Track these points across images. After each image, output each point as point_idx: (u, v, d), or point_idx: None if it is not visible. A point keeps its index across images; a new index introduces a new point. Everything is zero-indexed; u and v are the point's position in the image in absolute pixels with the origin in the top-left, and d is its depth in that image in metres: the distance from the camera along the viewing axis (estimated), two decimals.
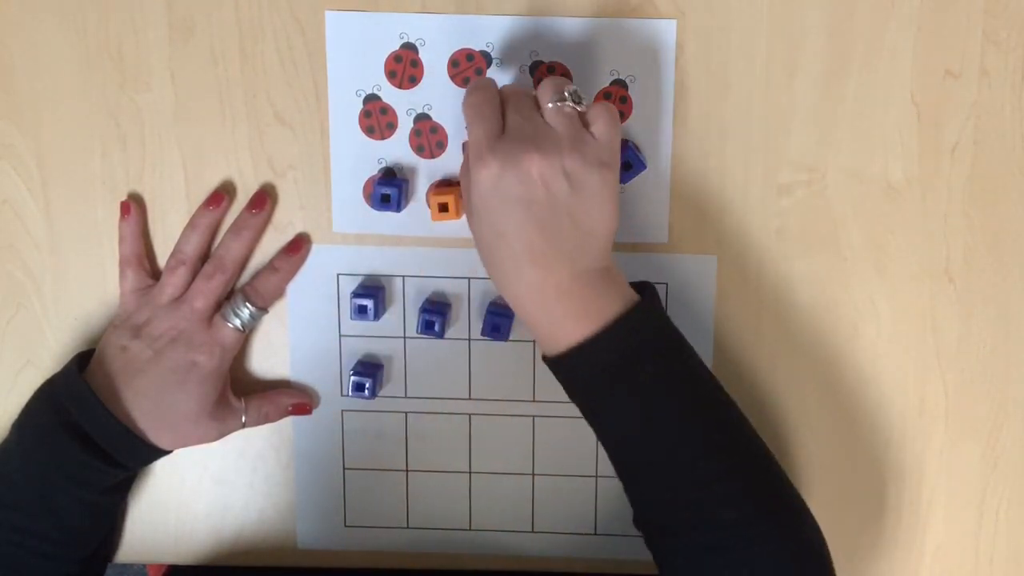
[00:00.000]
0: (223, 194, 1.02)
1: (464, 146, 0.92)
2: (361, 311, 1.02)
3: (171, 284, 1.01)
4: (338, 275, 1.04)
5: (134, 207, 1.03)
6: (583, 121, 0.91)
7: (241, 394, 1.05)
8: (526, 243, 0.87)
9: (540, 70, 1.00)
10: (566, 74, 1.00)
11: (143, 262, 1.03)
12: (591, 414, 0.92)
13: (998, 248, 1.01)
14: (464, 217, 0.96)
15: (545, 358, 0.92)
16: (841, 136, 1.00)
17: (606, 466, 1.05)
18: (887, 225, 1.01)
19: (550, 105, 0.90)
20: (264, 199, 1.02)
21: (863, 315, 1.03)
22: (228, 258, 1.01)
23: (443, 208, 0.98)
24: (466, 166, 0.91)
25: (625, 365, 0.89)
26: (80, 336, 1.06)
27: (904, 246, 1.01)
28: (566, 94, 0.90)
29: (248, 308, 1.00)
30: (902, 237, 1.01)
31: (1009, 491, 1.05)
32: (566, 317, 0.89)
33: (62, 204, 1.04)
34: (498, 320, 1.02)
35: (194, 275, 1.01)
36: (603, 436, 0.92)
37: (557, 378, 0.92)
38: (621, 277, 0.91)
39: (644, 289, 0.93)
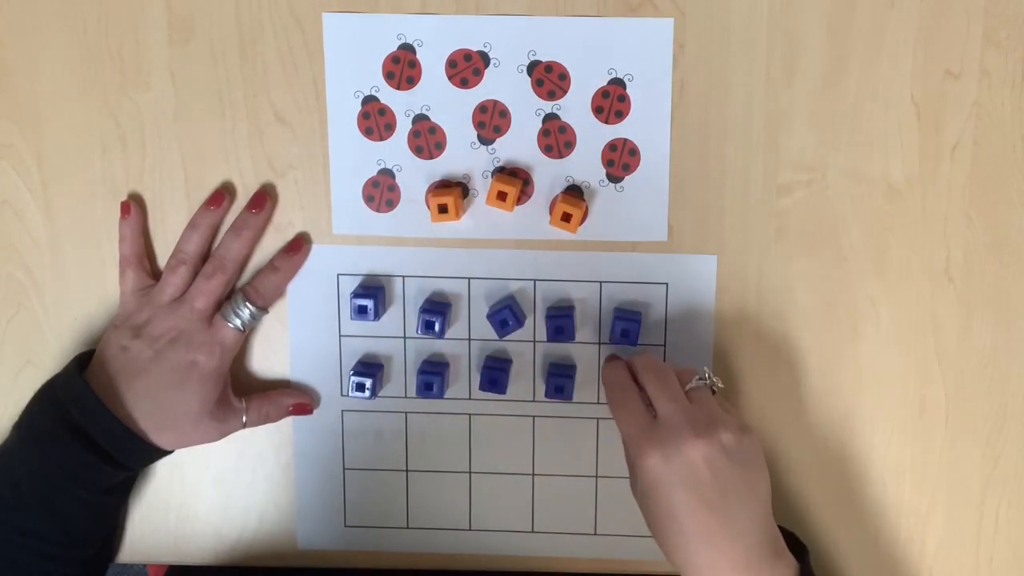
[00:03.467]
0: (224, 194, 1.02)
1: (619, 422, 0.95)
2: (361, 311, 1.02)
3: (172, 284, 1.01)
4: (338, 275, 1.04)
5: (134, 207, 1.03)
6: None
7: (242, 394, 1.05)
8: (698, 525, 0.89)
9: (538, 70, 1.00)
10: (564, 73, 0.99)
11: (143, 262, 1.03)
12: None
13: (998, 248, 1.01)
14: (462, 219, 0.96)
15: None
16: (841, 136, 1.00)
17: (606, 466, 1.06)
18: (887, 225, 1.01)
19: (692, 385, 0.94)
20: (264, 199, 1.02)
21: (863, 315, 1.03)
22: (228, 258, 1.01)
23: (443, 209, 0.98)
24: (629, 454, 0.93)
25: None
26: (80, 336, 1.06)
27: (904, 246, 1.01)
28: (704, 377, 0.95)
29: (248, 308, 1.01)
30: (902, 237, 1.01)
31: (1009, 491, 1.05)
32: None
33: (62, 204, 1.04)
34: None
35: (195, 275, 1.01)
36: None
37: None
38: (783, 545, 0.93)
39: (798, 551, 0.95)
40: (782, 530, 0.96)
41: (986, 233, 1.01)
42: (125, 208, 1.03)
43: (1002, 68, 0.99)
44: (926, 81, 0.99)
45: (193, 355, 0.99)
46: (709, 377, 0.95)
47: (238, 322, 1.00)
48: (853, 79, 0.99)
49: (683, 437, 0.89)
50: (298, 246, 1.03)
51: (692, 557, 0.90)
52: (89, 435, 0.96)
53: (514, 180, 1.00)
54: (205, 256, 1.03)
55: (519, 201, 1.01)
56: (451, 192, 0.99)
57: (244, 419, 1.04)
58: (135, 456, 0.99)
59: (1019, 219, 1.01)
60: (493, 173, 1.01)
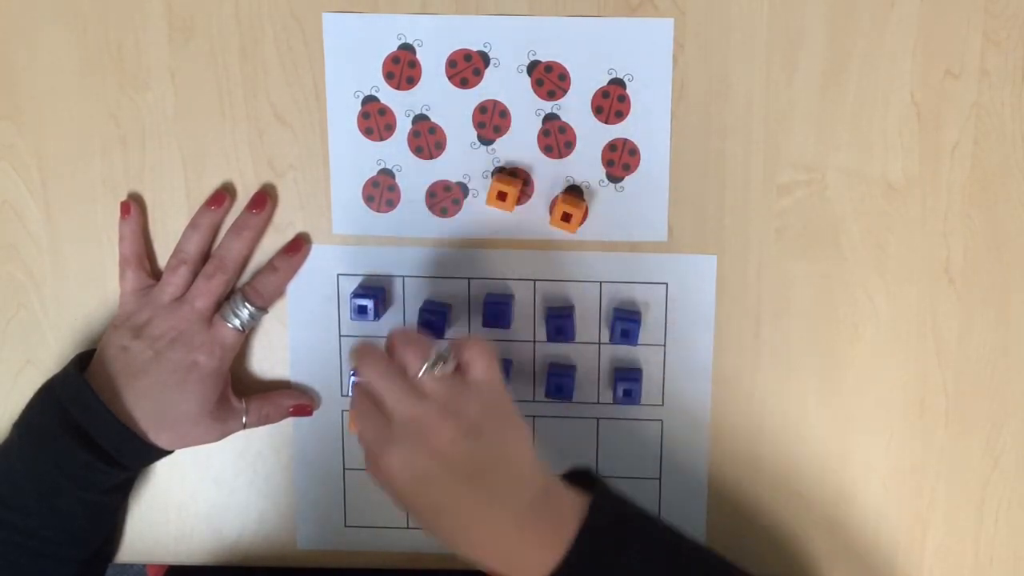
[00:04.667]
0: (225, 194, 1.02)
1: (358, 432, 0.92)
2: (361, 311, 1.02)
3: (172, 283, 1.01)
4: (338, 275, 1.04)
5: (134, 207, 1.03)
6: (457, 368, 0.90)
7: (242, 394, 1.05)
8: (464, 508, 0.87)
9: (538, 70, 1.00)
10: (564, 73, 1.00)
11: (143, 262, 1.03)
12: None
13: (998, 248, 1.01)
14: (460, 218, 0.96)
15: None
16: (841, 136, 1.00)
17: (606, 466, 1.06)
18: (887, 225, 1.01)
19: (420, 374, 0.88)
20: (264, 199, 1.02)
21: (863, 315, 1.03)
22: (229, 258, 1.01)
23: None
24: (373, 466, 0.89)
25: (603, 568, 0.88)
26: (80, 336, 1.06)
27: (904, 246, 1.01)
28: (431, 361, 0.88)
29: (247, 308, 1.01)
30: (902, 237, 1.01)
31: (1009, 491, 1.05)
32: (530, 553, 0.87)
33: (62, 204, 1.04)
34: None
35: (195, 275, 1.01)
36: None
37: None
38: (560, 486, 0.90)
39: (586, 478, 0.92)
40: (576, 473, 0.94)
41: (986, 233, 1.01)
42: (125, 208, 1.03)
43: (1002, 68, 0.99)
44: (926, 81, 0.99)
45: (193, 355, 0.99)
46: (437, 357, 0.88)
47: (237, 322, 1.00)
48: (853, 79, 0.99)
49: (421, 430, 0.86)
50: (298, 246, 1.03)
51: (473, 538, 0.88)
52: (89, 435, 0.96)
53: (514, 180, 1.00)
54: (206, 256, 1.03)
55: (519, 201, 1.01)
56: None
57: (244, 420, 1.04)
58: (135, 456, 0.99)
59: (1019, 219, 1.01)
60: (493, 173, 1.01)
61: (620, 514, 0.91)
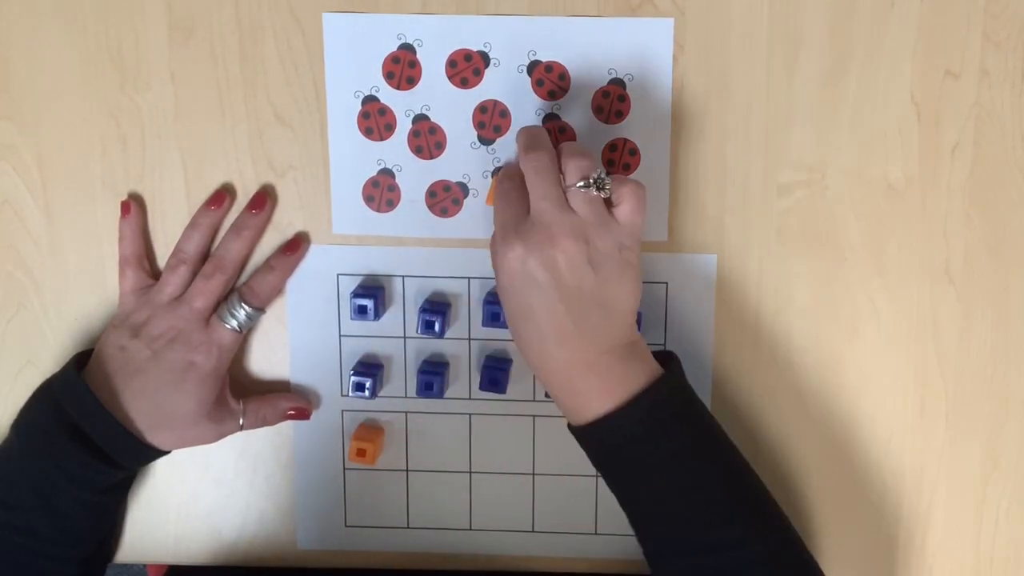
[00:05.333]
0: (225, 194, 1.02)
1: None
2: (361, 311, 1.02)
3: (171, 283, 1.01)
4: (338, 275, 1.04)
5: (134, 206, 1.03)
6: (608, 202, 0.92)
7: (241, 395, 1.05)
8: (553, 324, 0.89)
9: (538, 70, 1.00)
10: (564, 73, 1.00)
11: (143, 262, 1.03)
12: (614, 481, 0.94)
13: (998, 248, 1.01)
14: (460, 218, 0.96)
15: (570, 427, 0.94)
16: (841, 136, 1.00)
17: None
18: (887, 225, 1.01)
19: (574, 188, 0.91)
20: (264, 199, 1.02)
21: (863, 315, 1.03)
22: (228, 258, 1.01)
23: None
24: (495, 246, 0.92)
25: (648, 436, 0.90)
26: (80, 336, 1.06)
27: (904, 246, 1.01)
28: (591, 179, 0.91)
29: (244, 308, 1.01)
30: (902, 237, 1.01)
31: (1009, 491, 1.05)
32: (592, 392, 0.90)
33: (62, 204, 1.04)
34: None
35: (195, 275, 1.01)
36: (625, 501, 0.94)
37: (581, 446, 0.94)
38: (646, 350, 0.93)
39: (669, 360, 0.95)
40: (664, 352, 0.97)
41: (986, 233, 1.01)
42: (125, 208, 1.03)
43: (1002, 68, 0.99)
44: (926, 81, 0.99)
45: (191, 355, 0.99)
46: (597, 180, 0.91)
47: (234, 323, 1.00)
48: (853, 79, 0.99)
49: (547, 235, 0.88)
50: (295, 246, 1.03)
51: (544, 356, 0.90)
52: (87, 435, 0.96)
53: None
54: (205, 256, 1.02)
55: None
56: None
57: (241, 421, 1.04)
58: (132, 456, 0.99)
59: (1019, 219, 1.01)
60: (493, 173, 1.01)
61: (682, 395, 0.94)
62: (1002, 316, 1.02)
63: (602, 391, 0.90)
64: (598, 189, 0.90)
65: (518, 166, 0.94)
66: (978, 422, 1.04)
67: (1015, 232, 1.01)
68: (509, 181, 0.94)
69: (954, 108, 0.99)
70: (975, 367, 1.03)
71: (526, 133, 0.95)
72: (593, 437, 0.92)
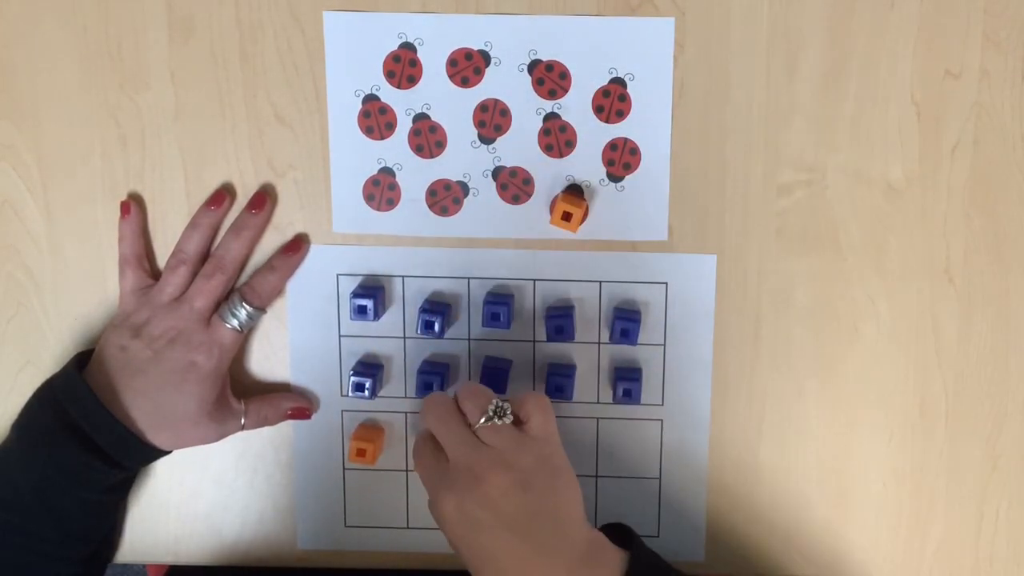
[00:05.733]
0: (225, 194, 1.02)
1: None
2: (361, 311, 1.02)
3: (172, 283, 1.01)
4: (338, 275, 1.04)
5: (134, 207, 1.03)
6: (517, 420, 0.93)
7: (242, 395, 1.05)
8: (511, 555, 0.88)
9: (538, 69, 1.00)
10: (564, 72, 1.00)
11: (143, 262, 1.03)
12: None
13: (998, 248, 1.01)
14: (461, 217, 0.96)
15: None
16: (841, 136, 1.00)
17: (606, 466, 1.06)
18: (887, 225, 1.01)
19: (479, 424, 0.92)
20: (264, 199, 1.02)
21: (863, 315, 1.03)
22: (228, 258, 1.01)
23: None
24: (431, 508, 0.93)
25: None
26: (80, 336, 1.06)
27: (904, 246, 1.01)
28: (490, 411, 0.92)
29: (245, 308, 1.01)
30: (902, 237, 1.01)
31: (1009, 491, 1.05)
32: None
33: (62, 204, 1.04)
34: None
35: (195, 275, 1.01)
36: None
37: None
38: (604, 542, 0.92)
39: (626, 536, 0.94)
40: (609, 525, 0.96)
41: (986, 233, 1.01)
42: (125, 208, 1.03)
43: (1002, 68, 0.99)
44: (926, 81, 0.99)
45: (192, 355, 0.99)
46: (496, 410, 0.92)
47: (235, 322, 1.00)
48: (853, 79, 0.99)
49: (473, 477, 0.89)
50: (296, 246, 1.03)
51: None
52: (88, 435, 0.96)
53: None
54: (205, 256, 1.02)
55: (520, 200, 1.01)
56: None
57: (242, 421, 1.04)
58: (133, 456, 0.99)
59: (1019, 219, 1.01)
60: (494, 173, 1.01)
61: (657, 568, 0.93)
62: (1002, 316, 1.02)
63: None
64: (499, 418, 0.92)
65: (425, 428, 0.95)
66: (978, 422, 1.04)
67: (1015, 232, 1.01)
68: (423, 444, 0.94)
69: (954, 108, 0.99)
70: (975, 367, 1.03)
71: (425, 400, 0.95)
72: None
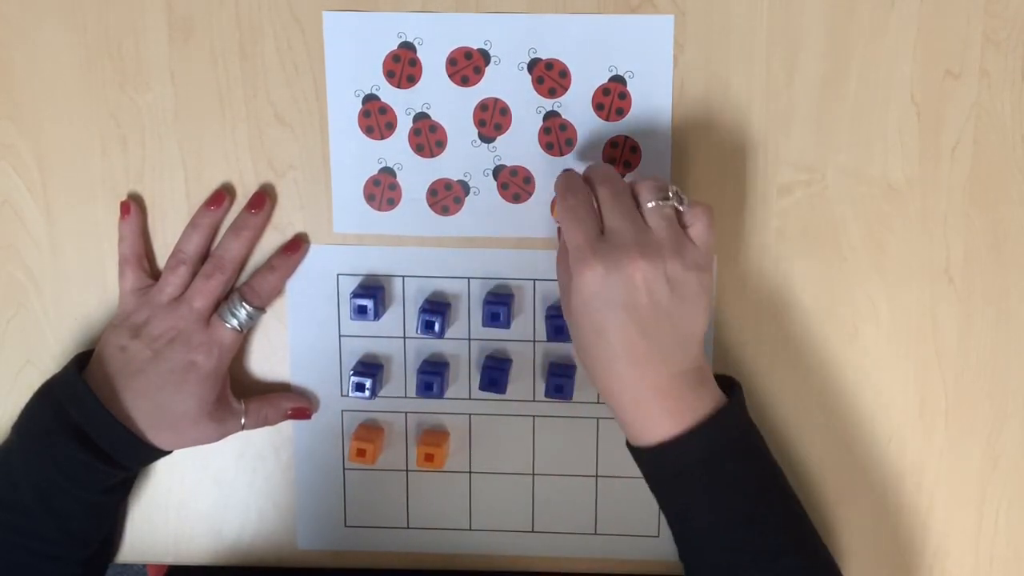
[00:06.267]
0: (224, 194, 1.02)
1: (560, 241, 0.94)
2: (361, 311, 1.02)
3: (171, 283, 1.01)
4: (338, 275, 1.04)
5: (134, 207, 1.03)
6: (681, 222, 0.92)
7: (242, 395, 1.05)
8: (626, 345, 0.88)
9: (538, 67, 1.00)
10: (564, 71, 1.00)
11: (143, 262, 1.03)
12: (671, 503, 0.94)
13: (998, 248, 1.01)
14: (454, 218, 0.96)
15: (630, 447, 0.93)
16: (841, 136, 1.00)
17: (606, 466, 1.06)
18: (887, 225, 1.01)
19: (651, 205, 0.90)
20: (263, 199, 1.02)
21: (863, 315, 1.03)
22: (227, 258, 1.01)
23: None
24: (565, 264, 0.92)
25: (709, 463, 0.91)
26: (80, 336, 1.06)
27: (904, 246, 1.01)
28: (670, 194, 0.91)
29: (245, 308, 1.01)
30: (902, 237, 1.01)
31: (1009, 491, 1.05)
32: (658, 415, 0.90)
33: (62, 204, 1.04)
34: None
35: (195, 275, 1.01)
36: (680, 524, 0.94)
37: (640, 467, 0.94)
38: (711, 376, 0.93)
39: (731, 387, 0.95)
40: (725, 377, 0.97)
41: (986, 233, 1.01)
42: (125, 208, 1.03)
43: (1002, 68, 0.99)
44: (926, 81, 0.99)
45: (191, 355, 0.99)
46: (675, 195, 0.91)
47: (235, 322, 1.00)
48: (853, 79, 0.99)
49: (627, 255, 0.87)
50: (296, 246, 1.03)
51: (614, 377, 0.90)
52: (88, 435, 0.96)
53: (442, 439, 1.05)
54: (205, 256, 1.02)
55: (521, 199, 1.01)
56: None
57: (242, 421, 1.04)
58: (134, 456, 0.99)
59: (1019, 219, 1.01)
60: (495, 172, 1.01)
61: (745, 425, 0.95)
62: (1002, 316, 1.02)
63: (668, 415, 0.90)
64: (678, 202, 0.91)
65: (579, 179, 0.93)
66: (978, 422, 1.04)
67: (1015, 232, 1.01)
68: (574, 197, 0.92)
69: (954, 108, 0.99)
70: (975, 367, 1.03)
71: (591, 167, 0.94)
72: (656, 460, 0.91)
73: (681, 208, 0.91)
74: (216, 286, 1.00)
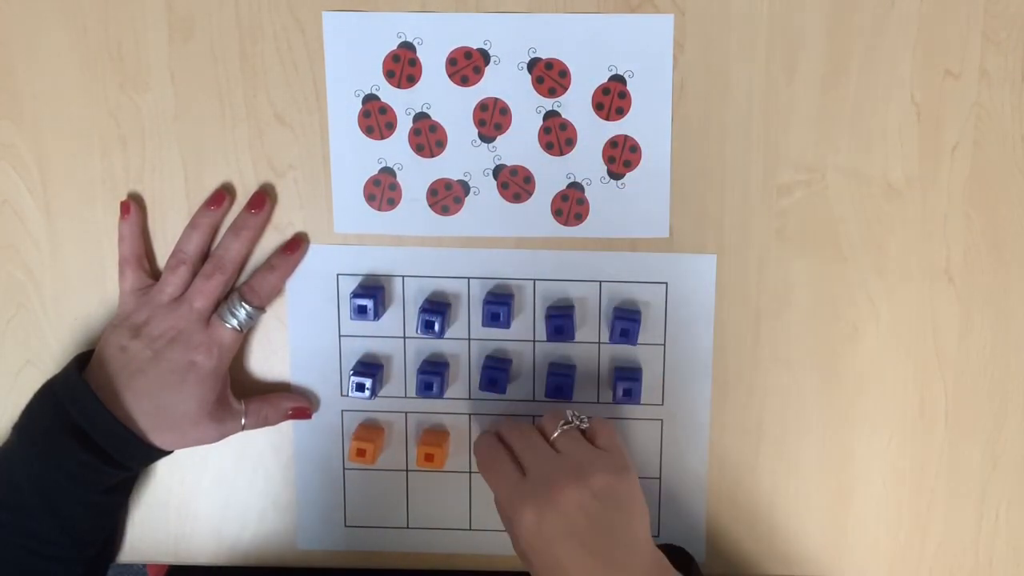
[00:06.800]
0: (224, 194, 1.02)
1: (495, 492, 0.96)
2: (361, 311, 1.02)
3: (171, 283, 1.01)
4: (338, 275, 1.04)
5: (134, 207, 1.03)
6: (588, 439, 0.95)
7: (242, 395, 1.05)
8: (582, 568, 0.89)
9: (538, 67, 1.00)
10: (564, 70, 1.00)
11: (143, 262, 1.03)
12: None
13: (998, 248, 1.01)
14: (454, 218, 0.96)
15: None
16: (841, 136, 1.00)
17: None
18: (887, 225, 1.01)
19: (556, 434, 0.95)
20: (263, 199, 1.02)
21: (863, 315, 1.03)
22: (227, 258, 1.01)
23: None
24: (504, 515, 0.94)
25: None
26: (80, 336, 1.06)
27: (904, 246, 1.01)
28: (570, 418, 0.96)
29: (245, 308, 1.01)
30: (902, 237, 1.01)
31: (1009, 491, 1.05)
32: None
33: (62, 204, 1.04)
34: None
35: (195, 275, 1.01)
36: None
37: None
38: (666, 562, 0.93)
39: (686, 562, 1.00)
40: (670, 546, 0.99)
41: (986, 233, 1.01)
42: (125, 208, 1.03)
43: (1002, 68, 0.99)
44: (926, 81, 0.99)
45: (191, 355, 0.99)
46: (573, 419, 0.96)
47: (235, 322, 1.00)
48: (853, 79, 0.99)
49: (553, 488, 0.90)
50: (296, 245, 1.03)
51: None
52: (88, 435, 0.96)
53: (442, 439, 1.05)
54: (205, 256, 1.03)
55: (521, 199, 1.01)
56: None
57: (243, 421, 1.04)
58: (134, 456, 0.99)
59: (1019, 219, 1.01)
60: (495, 172, 1.01)
61: None
62: (1002, 316, 1.02)
63: None
64: (580, 422, 0.96)
65: (484, 437, 0.98)
66: (978, 422, 1.04)
67: (1015, 232, 1.01)
68: (487, 453, 0.96)
69: (954, 108, 0.99)
70: (975, 367, 1.03)
71: (501, 423, 1.00)
72: None
73: (584, 427, 0.96)
74: (216, 286, 1.00)
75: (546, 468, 0.92)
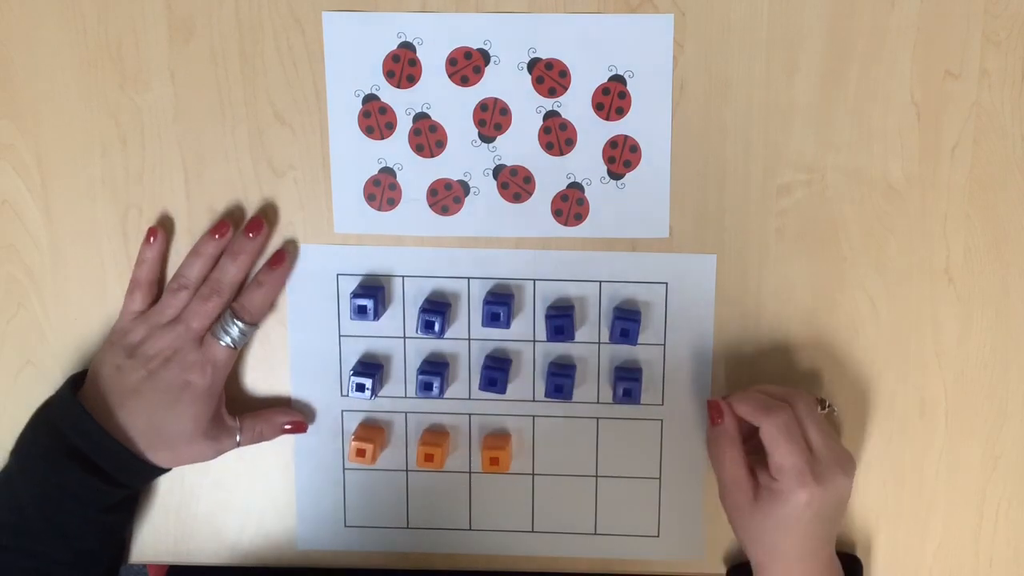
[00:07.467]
0: (228, 223, 1.02)
1: (713, 430, 1.00)
2: (361, 311, 1.02)
3: (172, 306, 1.01)
4: (338, 275, 1.04)
5: (161, 234, 1.03)
6: None
7: (241, 400, 1.05)
8: (807, 544, 0.97)
9: (538, 67, 1.00)
10: (564, 71, 1.00)
11: (153, 288, 1.03)
12: None
13: (998, 248, 1.01)
14: (454, 218, 0.96)
15: None
16: (841, 136, 1.00)
17: (606, 466, 1.06)
18: (887, 225, 1.01)
19: (824, 412, 1.02)
20: (261, 223, 1.02)
21: (863, 315, 1.03)
22: (224, 281, 1.01)
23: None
24: (724, 451, 0.99)
25: None
26: (80, 336, 1.06)
27: (904, 246, 1.01)
28: (826, 404, 1.03)
29: (237, 325, 1.00)
30: (902, 237, 1.01)
31: (1009, 491, 1.05)
32: None
33: (62, 204, 1.04)
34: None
35: None
36: None
37: None
38: (838, 563, 1.01)
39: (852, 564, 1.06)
40: (845, 554, 1.04)
41: (986, 233, 1.01)
42: (152, 233, 1.03)
43: (1002, 68, 0.99)
44: (926, 81, 0.99)
45: (186, 375, 0.99)
46: (820, 399, 1.01)
47: (228, 340, 1.00)
48: (853, 79, 0.99)
49: (840, 476, 0.95)
50: (280, 259, 1.03)
51: (783, 564, 0.97)
52: (86, 455, 0.97)
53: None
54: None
55: (521, 199, 1.01)
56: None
57: (238, 438, 1.04)
58: (133, 474, 1.00)
59: (1019, 219, 1.01)
60: (495, 171, 1.01)
61: None
62: (1002, 316, 1.02)
63: None
64: (830, 409, 1.03)
65: (775, 400, 0.98)
66: (978, 422, 1.04)
67: (1015, 232, 1.01)
68: (784, 414, 0.96)
69: (954, 108, 0.99)
70: (975, 367, 1.03)
71: (784, 391, 1.01)
72: None
73: (834, 412, 1.05)
74: (213, 308, 1.01)
75: (832, 453, 0.96)
